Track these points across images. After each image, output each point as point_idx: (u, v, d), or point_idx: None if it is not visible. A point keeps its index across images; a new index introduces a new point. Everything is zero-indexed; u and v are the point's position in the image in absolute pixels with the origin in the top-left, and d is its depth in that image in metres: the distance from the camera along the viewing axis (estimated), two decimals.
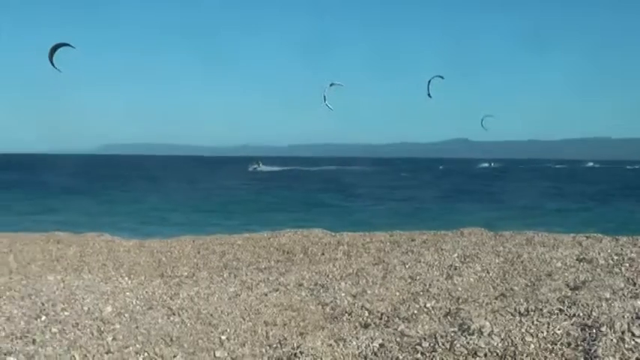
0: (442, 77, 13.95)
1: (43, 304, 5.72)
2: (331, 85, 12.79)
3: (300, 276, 7.15)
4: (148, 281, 7.24)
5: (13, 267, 7.83)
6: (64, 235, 9.94)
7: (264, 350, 4.68)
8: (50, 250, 8.90)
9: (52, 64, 9.79)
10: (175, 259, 8.71)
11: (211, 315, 5.54)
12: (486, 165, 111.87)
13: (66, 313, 5.40)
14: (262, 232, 10.42)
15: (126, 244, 9.56)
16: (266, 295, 6.33)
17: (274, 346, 4.76)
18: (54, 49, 9.73)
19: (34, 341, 4.65)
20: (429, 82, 13.58)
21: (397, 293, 6.18)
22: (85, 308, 5.56)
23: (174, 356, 4.51)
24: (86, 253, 8.87)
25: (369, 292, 6.23)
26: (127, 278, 7.39)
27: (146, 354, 4.49)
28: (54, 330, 4.92)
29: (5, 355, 4.34)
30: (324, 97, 12.63)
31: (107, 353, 4.47)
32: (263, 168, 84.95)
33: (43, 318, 5.27)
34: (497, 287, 6.34)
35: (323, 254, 8.61)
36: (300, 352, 4.42)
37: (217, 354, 4.58)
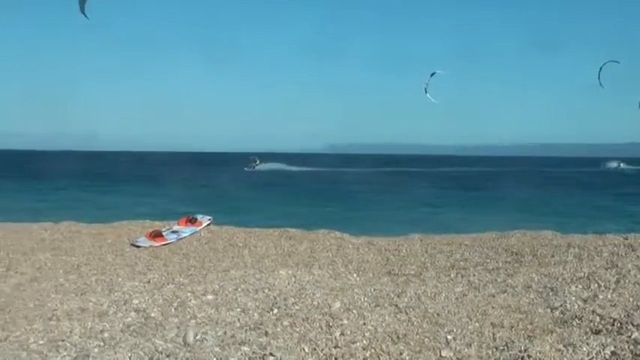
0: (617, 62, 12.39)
1: (275, 298, 6.32)
2: (432, 74, 11.98)
3: (529, 278, 7.13)
4: (375, 278, 7.58)
5: (248, 261, 8.74)
6: (295, 231, 10.78)
7: (490, 352, 4.70)
8: (283, 246, 9.74)
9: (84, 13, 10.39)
10: (403, 257, 8.97)
11: (438, 314, 5.65)
12: (615, 165, 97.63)
13: (296, 307, 5.90)
14: (490, 232, 10.32)
15: (355, 241, 10.05)
16: (493, 296, 6.36)
17: (501, 348, 4.76)
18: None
19: (266, 333, 5.15)
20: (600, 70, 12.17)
21: (631, 299, 5.92)
22: (315, 303, 6.01)
23: (401, 353, 4.66)
24: (316, 249, 9.53)
25: (600, 296, 6.03)
26: (355, 275, 7.82)
27: (373, 350, 4.71)
28: (285, 323, 5.39)
29: (240, 344, 4.87)
30: (425, 89, 11.94)
31: (335, 347, 4.77)
32: (262, 167, 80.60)
33: (275, 311, 5.82)
34: None
35: (553, 256, 8.40)
36: (527, 355, 4.48)
37: (443, 353, 4.66)
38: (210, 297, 6.42)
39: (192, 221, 10.91)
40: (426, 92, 11.64)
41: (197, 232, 10.48)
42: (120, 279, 7.58)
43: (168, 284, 7.22)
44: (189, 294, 6.56)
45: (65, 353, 4.81)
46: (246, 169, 78.11)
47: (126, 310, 6.05)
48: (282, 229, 10.92)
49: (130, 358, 4.66)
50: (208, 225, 10.95)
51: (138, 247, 9.62)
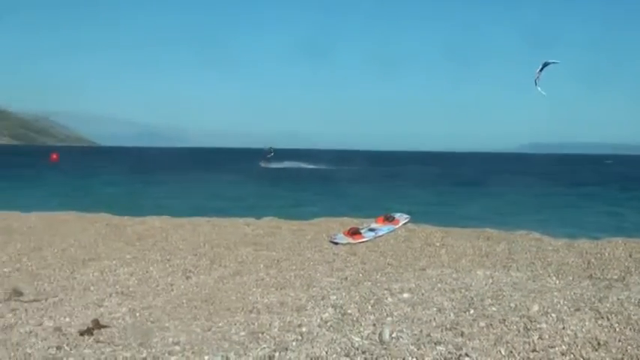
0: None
1: (472, 298, 6.43)
2: (545, 65, 10.57)
3: None
4: (576, 282, 7.43)
5: (444, 260, 8.94)
6: (493, 232, 10.78)
7: None
8: (480, 246, 9.80)
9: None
10: (605, 261, 8.65)
11: None
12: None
13: (493, 309, 5.96)
14: None
15: (554, 243, 9.85)
16: None
17: None
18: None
19: (462, 333, 5.27)
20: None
21: None
22: (512, 305, 6.04)
23: None
24: (514, 250, 9.48)
25: None
26: (554, 278, 7.71)
27: (572, 356, 4.68)
28: (481, 324, 5.49)
29: (435, 344, 5.05)
30: (535, 80, 10.60)
31: (532, 351, 4.81)
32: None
33: (472, 311, 5.93)
34: None
35: None
36: None
37: None
38: (406, 295, 6.69)
39: (390, 219, 11.31)
40: (536, 84, 10.97)
41: (394, 230, 10.86)
42: (318, 275, 8.15)
43: (364, 281, 7.64)
44: (385, 291, 6.87)
45: (265, 345, 5.25)
46: (261, 164, 72.91)
47: (323, 305, 6.52)
48: (480, 229, 10.97)
49: (326, 352, 4.95)
50: (405, 223, 11.29)
51: (336, 243, 10.21)
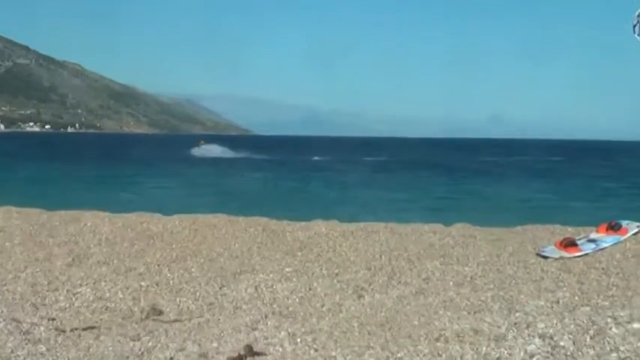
0: None
1: None
2: None
3: None
4: None
5: None
6: None
7: None
8: None
9: None
10: None
11: None
12: None
13: None
14: None
15: None
16: None
17: None
18: None
19: None
20: None
21: None
22: None
23: None
24: None
25: None
26: None
27: None
28: None
29: None
30: (634, 27, 9.18)
31: None
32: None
33: None
34: None
35: None
36: None
37: None
38: (636, 326, 6.53)
39: (615, 228, 10.96)
40: (634, 32, 9.89)
41: (621, 242, 10.53)
42: (522, 296, 8.11)
43: (582, 306, 7.50)
44: (609, 320, 6.69)
45: None
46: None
47: (528, 335, 6.48)
48: None
49: None
50: (636, 233, 10.88)
51: (545, 257, 10.09)
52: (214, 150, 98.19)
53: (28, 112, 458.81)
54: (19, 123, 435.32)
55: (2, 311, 7.89)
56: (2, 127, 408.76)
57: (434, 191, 43.91)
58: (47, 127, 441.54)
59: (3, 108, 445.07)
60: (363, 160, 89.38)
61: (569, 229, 11.68)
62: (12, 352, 6.42)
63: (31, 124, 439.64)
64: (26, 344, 6.68)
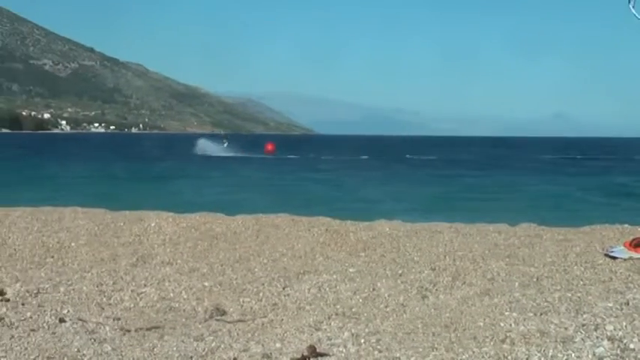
0: None
1: None
2: None
3: None
4: None
5: None
6: None
7: None
8: None
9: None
10: None
11: None
12: None
13: None
14: None
15: None
16: None
17: None
18: None
19: None
20: None
21: None
22: None
23: None
24: None
25: None
26: None
27: None
28: None
29: None
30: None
31: None
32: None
33: None
34: None
35: None
36: None
37: None
38: None
39: None
40: (630, 4, 9.57)
41: None
42: (590, 297, 7.99)
43: None
44: None
45: None
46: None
47: (597, 337, 6.39)
48: None
49: None
50: None
51: (614, 258, 9.93)
52: (213, 148, 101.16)
53: (93, 113, 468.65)
54: (84, 124, 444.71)
55: (68, 311, 8.09)
56: (68, 128, 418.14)
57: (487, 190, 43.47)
58: (112, 127, 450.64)
59: (69, 109, 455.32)
60: (421, 159, 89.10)
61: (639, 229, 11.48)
62: (78, 351, 6.56)
63: (96, 125, 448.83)
64: (92, 344, 6.81)
